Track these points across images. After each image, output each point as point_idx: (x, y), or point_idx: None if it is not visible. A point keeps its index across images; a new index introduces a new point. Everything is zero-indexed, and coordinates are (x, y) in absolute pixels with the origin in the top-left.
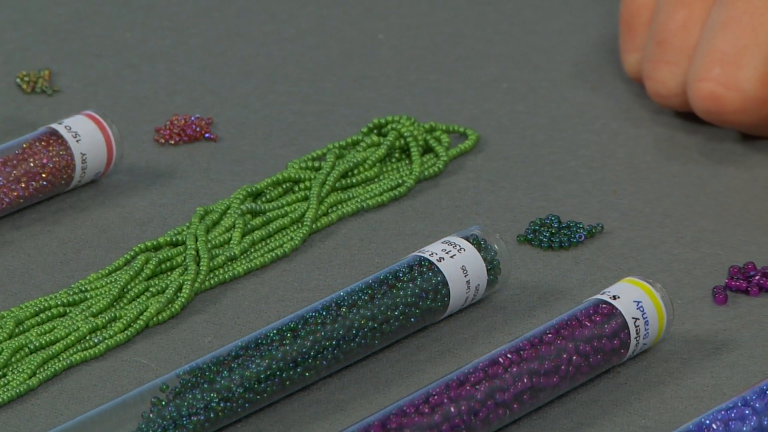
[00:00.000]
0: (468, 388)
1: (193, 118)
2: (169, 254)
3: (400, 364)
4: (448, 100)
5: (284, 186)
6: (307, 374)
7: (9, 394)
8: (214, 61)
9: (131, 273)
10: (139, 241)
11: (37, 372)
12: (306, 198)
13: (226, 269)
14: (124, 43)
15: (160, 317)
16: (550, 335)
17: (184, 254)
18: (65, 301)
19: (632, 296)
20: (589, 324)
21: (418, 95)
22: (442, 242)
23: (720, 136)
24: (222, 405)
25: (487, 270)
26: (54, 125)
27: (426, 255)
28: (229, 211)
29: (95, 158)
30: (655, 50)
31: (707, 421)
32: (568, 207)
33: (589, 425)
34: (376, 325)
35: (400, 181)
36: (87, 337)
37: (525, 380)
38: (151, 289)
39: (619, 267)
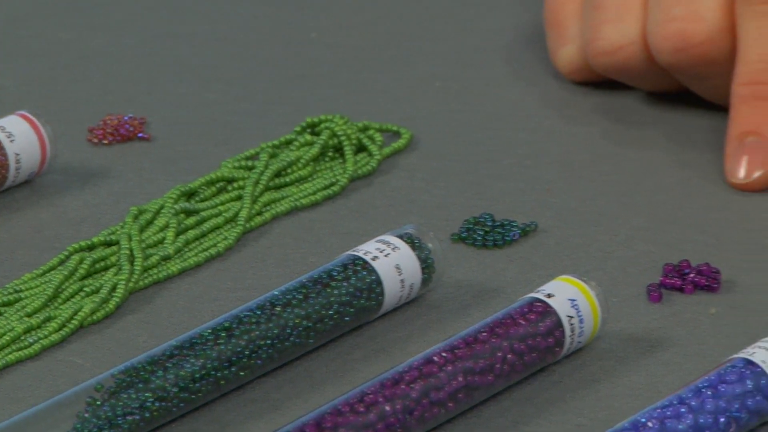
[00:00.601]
0: (403, 386)
1: (126, 118)
2: (104, 254)
3: (334, 363)
4: (381, 99)
5: (218, 185)
6: (242, 373)
7: None
8: (148, 61)
9: (65, 273)
10: (74, 240)
11: None
12: (240, 197)
13: (160, 269)
14: (58, 42)
15: (94, 317)
16: (484, 334)
17: (118, 254)
18: (0, 301)
19: (567, 294)
20: (523, 322)
21: (351, 94)
22: (376, 241)
23: (654, 136)
24: (157, 404)
25: (422, 269)
26: None
27: (360, 254)
28: (162, 211)
29: (29, 158)
30: (594, 14)
31: (643, 419)
32: (502, 205)
33: (525, 423)
34: (310, 324)
35: (334, 180)
36: (22, 337)
37: (460, 379)
38: (85, 288)
39: (553, 265)
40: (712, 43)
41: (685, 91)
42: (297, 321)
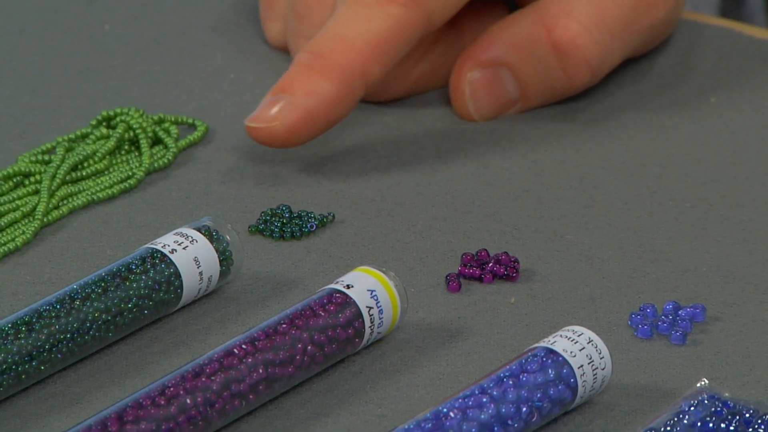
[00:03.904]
0: (204, 379)
1: None
2: None
3: (134, 356)
4: (175, 91)
5: (15, 180)
6: (42, 367)
7: None
8: None
9: None
10: None
11: None
12: (37, 191)
13: None
14: None
15: None
16: (284, 325)
17: None
18: None
19: (366, 285)
20: (323, 313)
21: (145, 87)
22: (174, 234)
23: (447, 126)
24: None
25: (220, 261)
26: None
27: (158, 247)
28: None
29: None
30: (297, 24)
31: (445, 410)
32: (299, 197)
33: (326, 415)
34: (110, 318)
35: (130, 173)
36: None
37: (260, 370)
38: None
39: (351, 256)
40: None
41: None
42: (96, 315)
